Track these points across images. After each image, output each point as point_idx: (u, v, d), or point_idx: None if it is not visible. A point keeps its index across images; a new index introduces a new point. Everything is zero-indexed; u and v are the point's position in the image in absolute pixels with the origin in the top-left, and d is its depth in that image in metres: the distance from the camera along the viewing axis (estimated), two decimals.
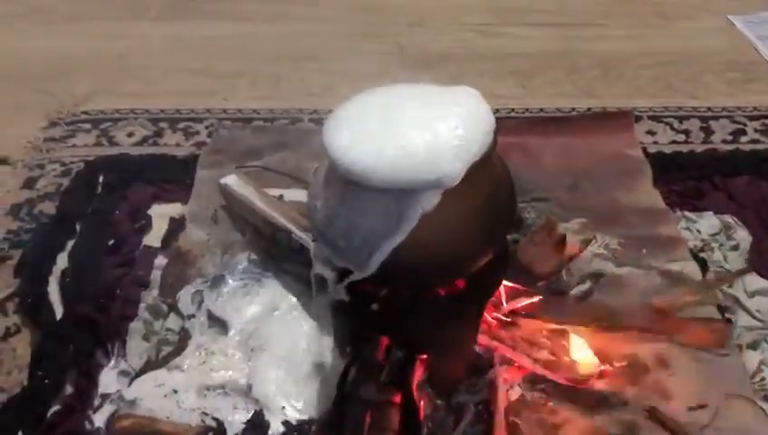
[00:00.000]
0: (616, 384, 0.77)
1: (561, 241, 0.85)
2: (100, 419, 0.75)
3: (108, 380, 0.79)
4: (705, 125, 1.14)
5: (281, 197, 0.97)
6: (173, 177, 1.05)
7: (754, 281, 0.88)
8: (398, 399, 0.72)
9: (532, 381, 0.78)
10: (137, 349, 0.82)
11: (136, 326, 0.84)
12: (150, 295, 0.88)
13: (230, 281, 0.88)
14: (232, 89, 1.25)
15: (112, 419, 0.75)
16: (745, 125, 1.14)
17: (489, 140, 0.61)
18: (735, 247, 0.92)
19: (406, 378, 0.72)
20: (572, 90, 1.24)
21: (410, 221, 0.60)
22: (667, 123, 1.15)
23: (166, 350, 0.82)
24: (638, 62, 1.30)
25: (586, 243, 0.85)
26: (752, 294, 0.86)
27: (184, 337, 0.83)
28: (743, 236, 0.93)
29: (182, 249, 0.93)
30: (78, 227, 0.97)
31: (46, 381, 0.77)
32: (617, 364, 0.78)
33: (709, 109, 1.18)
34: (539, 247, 0.85)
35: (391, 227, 0.60)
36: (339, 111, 0.64)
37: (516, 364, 0.78)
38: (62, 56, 1.35)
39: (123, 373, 0.80)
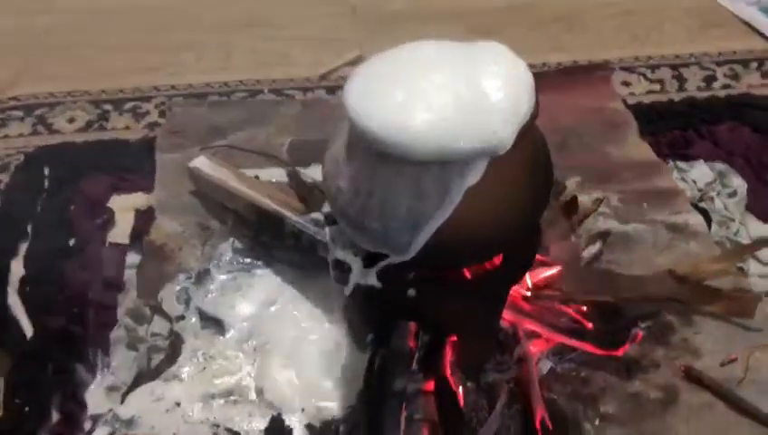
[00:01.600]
0: (645, 346, 0.74)
1: (573, 203, 0.81)
2: None
3: (96, 398, 0.70)
4: (676, 73, 1.13)
5: (256, 177, 0.88)
6: (130, 164, 0.95)
7: (757, 228, 0.87)
8: (430, 386, 0.67)
9: (560, 352, 0.74)
10: (123, 360, 0.73)
11: (118, 335, 0.75)
12: (128, 298, 0.78)
13: (217, 275, 0.79)
14: (178, 63, 1.15)
15: None
16: (714, 71, 1.13)
17: (534, 100, 0.55)
18: (733, 194, 0.91)
19: (438, 363, 0.66)
20: (539, 45, 1.20)
21: (456, 196, 0.54)
22: (640, 74, 1.13)
23: (157, 358, 0.73)
24: (599, 12, 1.27)
25: (597, 203, 0.82)
26: (755, 241, 0.85)
27: (175, 342, 0.74)
28: (738, 182, 0.92)
29: (156, 243, 0.83)
30: (29, 227, 0.86)
31: (27, 408, 0.67)
32: (643, 325, 0.75)
33: (677, 57, 1.16)
34: (548, 212, 0.81)
35: (434, 204, 0.54)
36: (359, 76, 0.56)
37: (543, 337, 0.74)
38: None
39: (112, 389, 0.71)
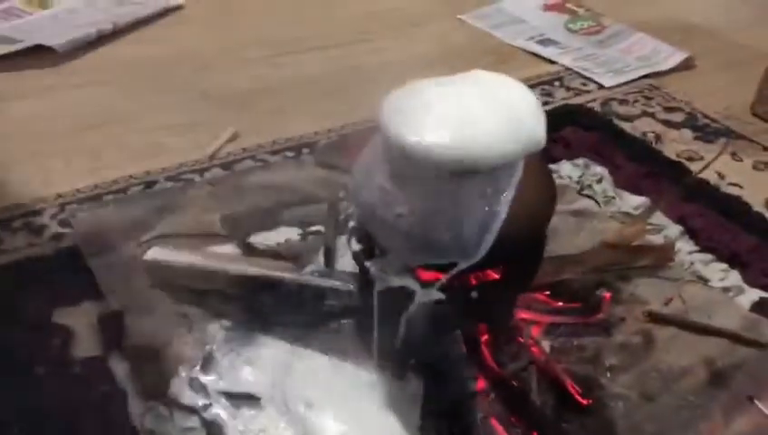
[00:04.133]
0: (607, 308, 0.88)
1: None
2: None
3: None
4: None
5: (228, 254, 0.87)
6: (56, 278, 0.87)
7: (632, 199, 1.07)
8: (481, 385, 0.73)
9: (548, 332, 0.84)
10: None
11: None
12: (137, 405, 0.73)
13: (221, 356, 0.77)
14: (47, 172, 1.07)
15: None
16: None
17: None
18: (600, 180, 1.10)
19: (483, 363, 0.73)
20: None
21: (509, 193, 0.62)
22: None
23: None
24: (417, 64, 1.43)
25: None
26: (637, 209, 1.05)
27: (212, 430, 0.71)
28: (599, 170, 1.12)
29: (140, 344, 0.78)
30: None
31: None
32: (598, 293, 0.89)
33: None
34: None
35: (494, 204, 0.62)
36: (399, 111, 0.63)
37: (535, 322, 0.84)
38: None
39: None
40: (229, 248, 0.90)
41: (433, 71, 1.38)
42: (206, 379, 0.75)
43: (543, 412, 0.72)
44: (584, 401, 0.75)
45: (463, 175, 0.60)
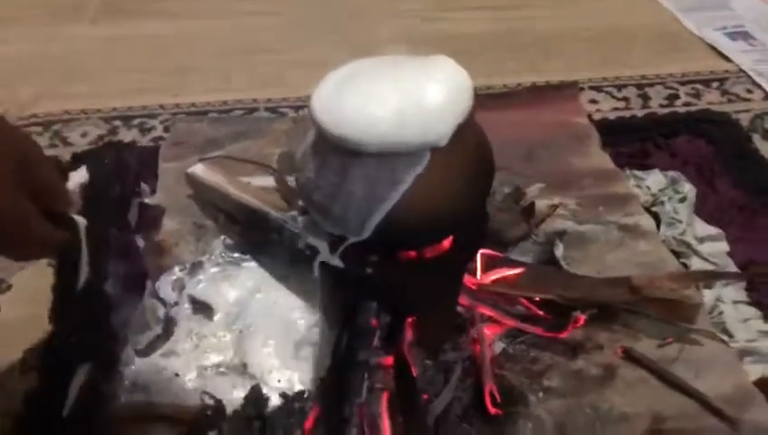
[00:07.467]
0: (590, 330, 0.82)
1: (530, 207, 0.90)
2: None
3: None
4: (641, 92, 1.22)
5: (248, 184, 0.98)
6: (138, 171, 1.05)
7: (702, 228, 0.95)
8: (389, 361, 0.75)
9: (513, 336, 0.82)
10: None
11: None
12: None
13: (208, 267, 0.89)
14: (182, 85, 1.25)
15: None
16: (677, 90, 1.22)
17: (470, 103, 0.64)
18: (683, 199, 0.98)
19: (396, 341, 0.75)
20: (515, 67, 1.29)
21: (404, 183, 0.63)
22: (607, 92, 1.22)
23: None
24: (574, 37, 1.37)
25: (553, 208, 0.90)
26: (701, 240, 0.93)
27: (169, 324, 0.83)
28: (688, 188, 1.00)
29: (160, 238, 0.93)
30: None
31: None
32: (589, 312, 0.83)
33: (643, 77, 1.25)
34: (507, 214, 0.90)
35: (385, 190, 0.63)
36: (324, 83, 0.66)
37: (497, 321, 0.82)
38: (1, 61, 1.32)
39: None
40: (269, 181, 1.00)
41: (578, 45, 1.33)
42: (187, 281, 0.87)
43: (419, 406, 0.72)
44: (492, 410, 0.74)
45: (356, 154, 0.62)
